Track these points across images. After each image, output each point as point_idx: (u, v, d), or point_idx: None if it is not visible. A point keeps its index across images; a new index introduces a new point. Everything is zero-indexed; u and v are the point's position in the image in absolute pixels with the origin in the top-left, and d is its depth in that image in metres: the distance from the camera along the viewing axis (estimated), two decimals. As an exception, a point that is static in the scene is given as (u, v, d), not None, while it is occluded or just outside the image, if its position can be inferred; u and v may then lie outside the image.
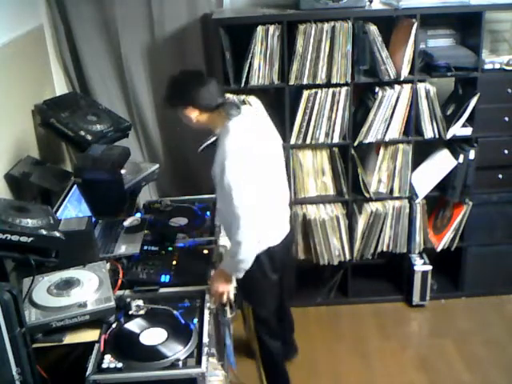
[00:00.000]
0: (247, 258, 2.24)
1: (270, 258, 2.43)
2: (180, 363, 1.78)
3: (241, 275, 2.30)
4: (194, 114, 2.33)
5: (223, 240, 2.74)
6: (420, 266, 3.38)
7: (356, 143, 3.17)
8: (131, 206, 2.82)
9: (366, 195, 3.26)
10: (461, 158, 3.17)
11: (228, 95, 2.58)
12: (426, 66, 3.12)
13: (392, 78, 3.04)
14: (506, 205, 3.35)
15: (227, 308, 2.79)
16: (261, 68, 3.01)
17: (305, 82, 3.04)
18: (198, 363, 1.78)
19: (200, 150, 2.39)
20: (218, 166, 2.23)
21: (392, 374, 2.98)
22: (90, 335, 1.87)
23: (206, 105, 2.32)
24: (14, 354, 1.53)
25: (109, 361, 1.78)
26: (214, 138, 2.35)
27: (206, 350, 1.83)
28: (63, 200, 2.39)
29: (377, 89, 3.09)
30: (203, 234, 2.58)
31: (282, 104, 3.10)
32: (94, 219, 2.46)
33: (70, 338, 1.85)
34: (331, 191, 3.35)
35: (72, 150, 3.20)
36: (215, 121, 2.34)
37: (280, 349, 2.70)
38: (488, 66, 3.07)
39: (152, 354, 1.83)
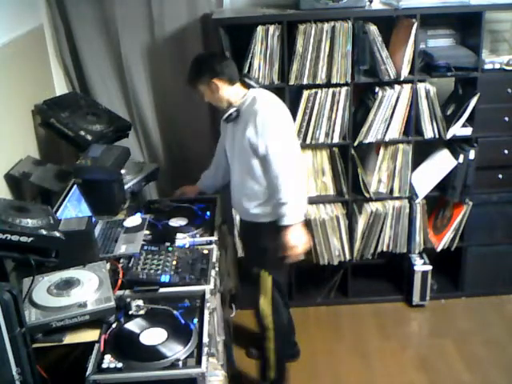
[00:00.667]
0: (299, 199, 2.43)
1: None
2: (180, 363, 1.78)
3: (302, 217, 2.45)
4: (219, 86, 2.46)
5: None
6: (420, 265, 3.38)
7: (356, 143, 3.17)
8: (131, 206, 2.82)
9: (366, 195, 3.26)
10: (461, 158, 3.17)
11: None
12: (426, 66, 3.13)
13: (392, 78, 3.04)
14: (506, 205, 3.35)
15: (227, 308, 2.80)
16: (261, 68, 3.01)
17: (305, 82, 3.04)
18: (198, 363, 1.78)
19: (224, 119, 2.52)
20: (253, 127, 2.39)
21: (392, 374, 2.98)
22: (90, 335, 1.87)
23: (231, 76, 2.49)
24: (14, 353, 1.53)
25: (109, 361, 1.78)
26: (234, 109, 2.48)
27: (205, 350, 1.83)
28: (63, 200, 2.38)
29: (377, 89, 3.09)
30: (203, 233, 2.57)
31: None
32: (93, 219, 2.45)
33: (70, 338, 1.85)
34: (331, 191, 3.35)
35: (72, 150, 3.20)
36: (238, 93, 2.51)
37: (285, 319, 2.80)
38: (488, 66, 3.07)
39: (152, 354, 1.83)
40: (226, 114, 2.49)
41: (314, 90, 3.07)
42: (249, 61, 2.99)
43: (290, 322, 3.00)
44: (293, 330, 3.05)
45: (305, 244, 2.47)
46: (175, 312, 2.01)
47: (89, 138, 2.83)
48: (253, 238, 2.67)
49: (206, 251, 2.39)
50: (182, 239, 2.50)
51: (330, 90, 3.07)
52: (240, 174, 2.55)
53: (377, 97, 3.07)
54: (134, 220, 2.59)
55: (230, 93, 2.49)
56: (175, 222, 2.68)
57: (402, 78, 3.04)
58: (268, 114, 2.41)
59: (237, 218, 3.18)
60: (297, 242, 2.44)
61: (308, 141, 3.16)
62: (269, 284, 2.61)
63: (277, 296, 2.66)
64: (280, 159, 2.39)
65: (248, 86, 2.53)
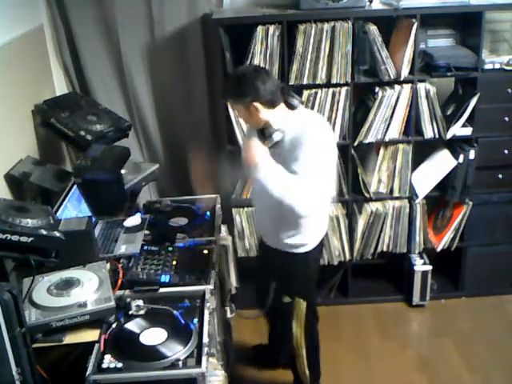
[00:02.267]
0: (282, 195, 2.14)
1: (318, 249, 2.47)
2: (180, 363, 1.78)
3: (258, 175, 2.16)
4: (260, 110, 2.21)
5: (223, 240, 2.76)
6: (420, 265, 3.38)
7: (356, 143, 3.17)
8: (131, 206, 2.82)
9: (366, 195, 3.26)
10: (461, 158, 3.17)
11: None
12: (426, 66, 3.13)
13: (392, 77, 3.04)
14: (506, 205, 3.35)
15: (227, 308, 2.80)
16: (261, 68, 3.01)
17: (305, 82, 3.04)
18: (198, 363, 1.78)
19: (269, 146, 2.23)
20: (296, 148, 2.16)
21: (392, 374, 2.98)
22: (90, 335, 1.87)
23: (274, 99, 2.24)
24: (14, 354, 1.53)
25: (109, 361, 1.78)
26: (280, 135, 2.23)
27: (205, 350, 1.83)
28: (63, 200, 2.39)
29: (377, 89, 3.09)
30: (203, 233, 2.57)
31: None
32: (94, 219, 2.45)
33: (70, 338, 1.85)
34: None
35: (72, 149, 3.20)
36: (280, 116, 2.26)
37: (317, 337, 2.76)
38: (488, 66, 3.07)
39: (152, 354, 1.83)
40: (272, 143, 2.23)
41: (314, 90, 3.07)
42: (249, 61, 2.99)
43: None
44: None
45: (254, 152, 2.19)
46: (175, 312, 2.01)
47: (89, 137, 2.83)
48: (283, 266, 2.46)
49: (206, 251, 2.39)
50: (182, 239, 2.50)
51: (330, 90, 3.07)
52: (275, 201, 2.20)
53: (377, 97, 3.07)
54: (134, 220, 2.59)
55: (269, 115, 2.23)
56: (175, 222, 2.68)
57: (401, 78, 3.04)
58: (318, 139, 2.20)
59: (238, 219, 3.19)
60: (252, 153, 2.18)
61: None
62: (303, 309, 2.54)
63: (311, 318, 2.62)
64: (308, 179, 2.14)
65: (291, 107, 2.30)
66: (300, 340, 2.61)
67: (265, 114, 2.23)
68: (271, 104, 2.23)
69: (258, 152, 2.17)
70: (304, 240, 2.38)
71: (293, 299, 2.50)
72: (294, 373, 2.77)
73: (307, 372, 2.71)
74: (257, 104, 2.20)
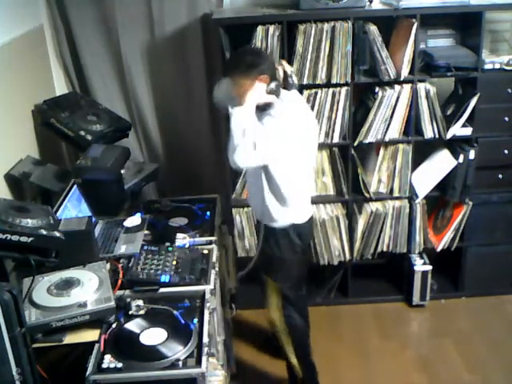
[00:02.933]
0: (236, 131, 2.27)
1: (298, 234, 2.53)
2: (180, 363, 1.78)
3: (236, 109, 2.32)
4: (264, 83, 2.34)
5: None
6: (420, 265, 3.38)
7: (356, 143, 3.17)
8: (131, 206, 2.82)
9: (366, 195, 3.26)
10: (461, 158, 3.17)
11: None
12: (426, 66, 3.12)
13: (392, 78, 3.04)
14: (506, 205, 3.35)
15: (227, 308, 2.80)
16: (261, 68, 3.01)
17: (305, 82, 3.04)
18: (198, 363, 1.78)
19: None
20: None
21: (392, 374, 2.98)
22: (90, 335, 1.87)
23: (274, 76, 2.39)
24: (14, 354, 1.53)
25: (109, 361, 1.78)
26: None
27: (205, 350, 1.83)
28: (63, 200, 2.39)
29: (377, 89, 3.09)
30: (203, 233, 2.57)
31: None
32: (94, 219, 2.45)
33: (70, 338, 1.85)
34: (331, 191, 3.35)
35: (72, 149, 3.20)
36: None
37: (305, 328, 2.76)
38: (488, 66, 3.07)
39: (152, 354, 1.83)
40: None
41: (314, 90, 3.07)
42: (249, 61, 2.98)
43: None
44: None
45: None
46: (175, 312, 2.01)
47: (89, 137, 2.83)
48: (265, 239, 2.60)
49: (206, 251, 2.40)
50: (182, 239, 2.50)
51: (330, 90, 3.07)
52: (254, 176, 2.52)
53: (377, 97, 3.07)
54: (134, 220, 2.59)
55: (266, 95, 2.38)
56: (175, 222, 2.68)
57: (401, 78, 3.04)
58: (273, 126, 2.33)
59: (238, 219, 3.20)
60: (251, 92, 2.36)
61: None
62: (274, 291, 2.62)
63: (286, 304, 2.64)
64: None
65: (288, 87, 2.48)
66: (279, 322, 2.68)
67: (264, 90, 2.35)
68: (273, 78, 2.37)
69: (254, 96, 2.32)
70: (274, 215, 2.49)
71: (266, 276, 2.63)
72: (288, 366, 2.80)
73: (295, 362, 2.73)
74: (263, 76, 2.32)
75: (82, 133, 2.83)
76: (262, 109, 2.37)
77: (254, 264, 2.69)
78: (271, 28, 2.93)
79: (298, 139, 2.41)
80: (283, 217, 2.51)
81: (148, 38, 3.31)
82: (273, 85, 2.35)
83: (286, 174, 2.43)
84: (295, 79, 2.51)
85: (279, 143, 2.32)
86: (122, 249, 2.38)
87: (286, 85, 2.46)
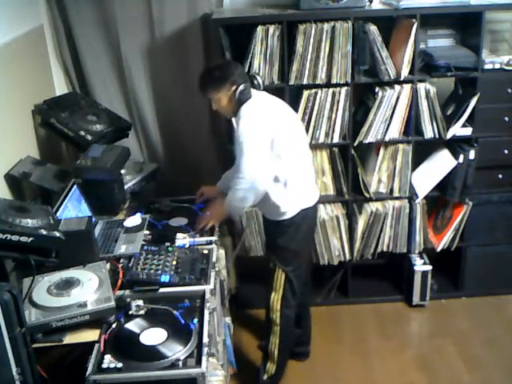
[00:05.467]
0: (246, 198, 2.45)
1: (303, 218, 2.60)
2: (180, 363, 1.78)
3: (234, 213, 2.64)
4: (235, 93, 2.47)
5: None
6: (420, 265, 3.38)
7: (356, 143, 3.17)
8: (131, 206, 2.82)
9: (366, 195, 3.26)
10: (461, 158, 3.17)
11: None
12: (426, 66, 3.13)
13: (392, 77, 3.04)
14: (506, 205, 3.35)
15: (227, 308, 2.80)
16: (261, 68, 3.01)
17: (305, 82, 3.04)
18: (198, 363, 1.78)
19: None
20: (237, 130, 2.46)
21: (392, 374, 2.98)
22: (90, 335, 1.87)
23: (247, 83, 2.51)
24: (14, 353, 1.53)
25: (109, 361, 1.78)
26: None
27: (205, 350, 1.83)
28: (63, 200, 2.39)
29: (377, 89, 3.09)
30: (203, 233, 2.57)
31: (282, 104, 3.10)
32: (93, 219, 2.45)
33: (70, 338, 1.85)
34: (331, 191, 3.35)
35: (72, 149, 3.20)
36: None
37: (293, 318, 2.79)
38: (488, 66, 3.07)
39: (152, 354, 1.83)
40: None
41: (313, 90, 3.07)
42: (249, 61, 2.99)
43: (305, 321, 3.03)
44: (304, 328, 3.06)
45: (211, 222, 2.58)
46: (175, 312, 2.01)
47: (89, 137, 2.83)
48: (270, 233, 2.80)
49: (206, 251, 2.40)
50: (182, 239, 2.50)
51: (330, 89, 3.07)
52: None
53: (377, 97, 3.07)
54: (134, 220, 2.58)
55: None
56: (175, 222, 2.68)
57: (402, 78, 3.04)
58: (245, 125, 2.43)
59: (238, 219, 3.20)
60: (214, 214, 2.59)
61: (308, 141, 3.16)
62: (281, 279, 2.66)
63: (288, 295, 2.69)
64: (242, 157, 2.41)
65: (256, 87, 2.59)
66: (276, 313, 2.71)
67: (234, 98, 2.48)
68: (246, 86, 2.48)
69: (218, 212, 2.59)
70: (283, 209, 2.57)
71: (274, 266, 2.66)
72: (264, 353, 2.83)
73: (276, 354, 2.76)
74: (235, 86, 2.46)
75: (82, 133, 2.83)
76: (237, 110, 2.50)
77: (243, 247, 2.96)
78: (271, 28, 2.94)
79: (280, 125, 2.50)
80: (291, 207, 2.58)
81: (148, 38, 3.31)
82: (241, 87, 2.47)
83: (282, 163, 2.50)
84: (260, 79, 2.59)
85: (264, 146, 2.42)
86: (122, 249, 2.38)
87: (253, 86, 2.56)
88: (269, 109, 2.54)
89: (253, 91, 2.53)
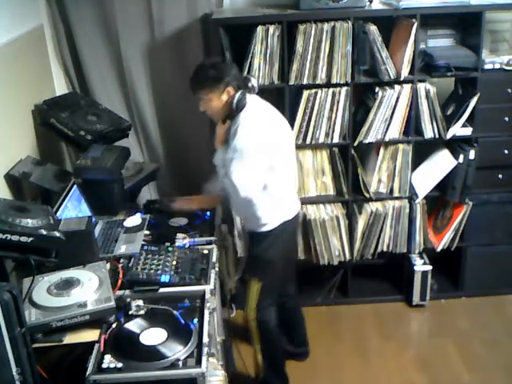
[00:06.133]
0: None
1: (283, 231, 2.57)
2: (180, 363, 1.78)
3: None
4: (230, 94, 2.42)
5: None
6: (420, 265, 3.38)
7: (356, 143, 3.17)
8: (131, 206, 2.82)
9: (366, 195, 3.26)
10: (461, 158, 3.17)
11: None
12: (426, 66, 3.13)
13: (392, 77, 3.04)
14: (506, 205, 3.35)
15: (227, 308, 2.80)
16: (261, 68, 3.01)
17: (305, 82, 3.04)
18: (198, 363, 1.78)
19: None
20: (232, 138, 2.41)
21: (392, 374, 2.98)
22: (90, 335, 1.87)
23: (239, 85, 2.45)
24: (14, 354, 1.53)
25: (109, 361, 1.78)
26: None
27: (205, 350, 1.83)
28: (63, 200, 2.39)
29: (377, 89, 3.09)
30: (203, 233, 2.57)
31: (282, 104, 3.10)
32: (93, 219, 2.45)
33: (70, 338, 1.85)
34: (331, 191, 3.35)
35: (72, 149, 3.20)
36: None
37: (276, 333, 2.76)
38: (488, 66, 3.07)
39: (152, 354, 1.83)
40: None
41: (313, 90, 3.07)
42: (249, 61, 2.99)
43: (298, 324, 3.02)
44: (298, 329, 3.05)
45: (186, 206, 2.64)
46: (175, 312, 2.01)
47: (89, 138, 2.83)
48: (249, 243, 2.73)
49: (206, 251, 2.40)
50: (182, 239, 2.50)
51: (330, 89, 3.07)
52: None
53: (377, 97, 3.07)
54: (134, 220, 2.59)
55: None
56: (175, 222, 2.68)
57: (402, 78, 3.04)
58: (244, 134, 2.38)
59: (238, 219, 3.20)
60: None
61: (308, 141, 3.16)
62: (254, 291, 2.63)
63: (263, 304, 2.65)
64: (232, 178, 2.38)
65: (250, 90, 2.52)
66: (251, 322, 2.70)
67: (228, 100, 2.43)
68: (239, 88, 2.44)
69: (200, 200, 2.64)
70: (264, 220, 2.53)
71: (248, 276, 2.65)
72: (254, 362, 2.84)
73: (260, 360, 2.76)
74: (230, 88, 2.41)
75: (82, 133, 2.83)
76: (232, 115, 2.45)
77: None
78: (271, 28, 2.94)
79: (272, 136, 2.46)
80: (273, 219, 2.54)
81: (148, 38, 3.31)
82: (239, 94, 2.40)
83: (274, 174, 2.47)
84: (254, 82, 2.53)
85: (258, 158, 2.39)
86: (122, 249, 2.38)
87: (247, 89, 2.49)
88: (266, 118, 2.50)
89: (248, 96, 2.46)
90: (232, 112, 2.44)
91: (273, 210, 2.53)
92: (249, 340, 2.81)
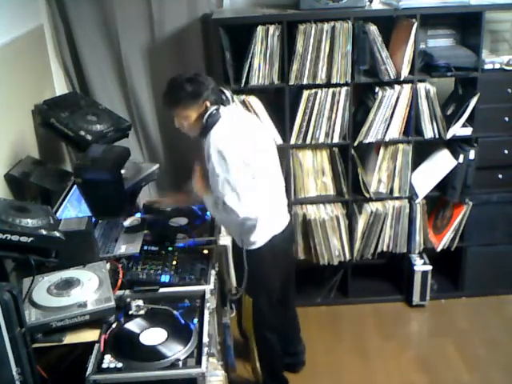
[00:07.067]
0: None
1: (272, 247, 2.48)
2: (180, 363, 1.78)
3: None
4: (208, 108, 2.30)
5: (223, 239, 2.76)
6: (420, 265, 3.38)
7: (356, 143, 3.17)
8: (131, 206, 2.82)
9: (366, 195, 3.26)
10: (461, 158, 3.17)
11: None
12: (426, 66, 3.13)
13: (392, 78, 3.04)
14: (506, 205, 3.35)
15: (227, 308, 2.80)
16: (261, 68, 3.01)
17: (305, 82, 3.04)
18: (198, 363, 1.78)
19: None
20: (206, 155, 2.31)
21: (392, 374, 2.98)
22: (90, 335, 1.87)
23: (217, 99, 2.34)
24: (14, 353, 1.53)
25: (109, 361, 1.78)
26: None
27: (205, 350, 1.83)
28: (63, 200, 2.39)
29: (377, 89, 3.09)
30: (203, 233, 2.57)
31: (282, 104, 3.10)
32: (93, 219, 2.45)
33: (70, 338, 1.85)
34: (331, 191, 3.35)
35: (72, 149, 3.19)
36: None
37: (277, 342, 2.72)
38: (488, 66, 3.07)
39: (152, 354, 1.83)
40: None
41: (314, 90, 3.07)
42: (249, 61, 2.99)
43: (295, 320, 2.99)
44: (294, 341, 3.00)
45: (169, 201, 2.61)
46: (175, 312, 2.01)
47: (89, 137, 2.83)
48: (239, 260, 2.54)
49: (206, 251, 2.40)
50: (182, 239, 2.50)
51: (330, 89, 3.07)
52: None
53: (377, 97, 3.07)
54: (134, 220, 2.59)
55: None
56: (175, 222, 2.68)
57: (402, 78, 3.04)
58: (217, 157, 2.26)
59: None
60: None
61: (308, 141, 3.16)
62: (249, 307, 2.58)
63: (259, 319, 2.61)
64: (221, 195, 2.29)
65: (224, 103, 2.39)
66: (250, 337, 2.67)
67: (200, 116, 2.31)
68: (216, 103, 2.33)
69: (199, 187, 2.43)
70: (253, 238, 2.43)
71: (242, 294, 2.54)
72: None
73: (258, 367, 2.74)
74: (207, 103, 2.30)
75: (82, 133, 2.83)
76: (204, 132, 2.33)
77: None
78: (271, 28, 2.93)
79: (251, 149, 2.34)
80: (261, 236, 2.45)
81: (148, 38, 3.31)
82: (212, 109, 2.30)
83: (257, 188, 2.35)
84: (228, 94, 2.40)
85: (242, 176, 2.28)
86: (122, 249, 2.38)
87: (222, 102, 2.38)
88: (239, 133, 2.37)
89: (222, 109, 2.35)
90: (203, 128, 2.33)
91: (259, 227, 2.41)
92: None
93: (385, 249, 3.38)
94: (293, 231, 2.74)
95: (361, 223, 3.30)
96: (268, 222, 2.45)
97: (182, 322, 1.97)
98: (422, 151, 3.34)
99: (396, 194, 3.29)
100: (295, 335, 3.00)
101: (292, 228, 2.82)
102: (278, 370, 2.83)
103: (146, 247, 2.38)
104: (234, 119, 2.39)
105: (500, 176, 3.27)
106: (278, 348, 2.74)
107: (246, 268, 2.39)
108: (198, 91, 2.29)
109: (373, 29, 2.94)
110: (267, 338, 2.68)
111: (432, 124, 3.15)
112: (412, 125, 3.15)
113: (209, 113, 2.29)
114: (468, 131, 3.18)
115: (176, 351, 1.83)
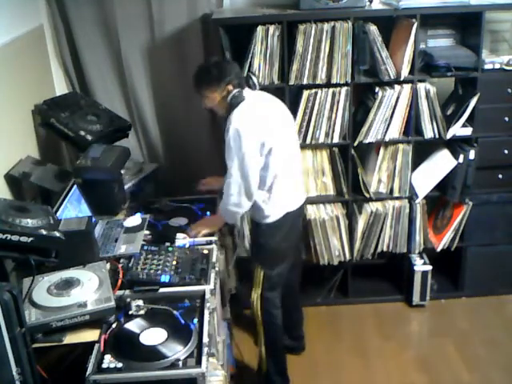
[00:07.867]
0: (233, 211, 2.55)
1: (285, 221, 2.63)
2: (180, 363, 1.78)
3: (230, 221, 2.66)
4: (231, 91, 2.48)
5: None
6: (420, 265, 3.38)
7: (356, 143, 3.17)
8: (131, 206, 2.82)
9: (366, 195, 3.26)
10: (461, 158, 3.17)
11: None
12: (426, 66, 3.13)
13: (392, 78, 3.04)
14: (506, 205, 3.35)
15: (227, 308, 2.80)
16: (261, 68, 3.01)
17: (305, 82, 3.04)
18: (198, 363, 1.78)
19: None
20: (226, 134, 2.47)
21: (392, 374, 2.98)
22: (90, 335, 1.87)
23: (241, 82, 2.53)
24: (14, 353, 1.53)
25: (109, 361, 1.78)
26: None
27: (206, 350, 1.83)
28: (63, 200, 2.39)
29: (377, 89, 3.09)
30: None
31: (282, 104, 3.10)
32: (93, 219, 2.45)
33: (70, 338, 1.85)
34: (331, 191, 3.35)
35: (72, 149, 3.20)
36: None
37: (281, 321, 2.79)
38: (488, 66, 3.07)
39: (152, 354, 1.83)
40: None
41: (313, 90, 3.07)
42: (249, 61, 2.99)
43: (293, 317, 3.02)
44: (298, 324, 3.09)
45: (201, 232, 2.57)
46: (175, 312, 2.01)
47: (89, 138, 2.83)
48: (253, 234, 2.85)
49: (206, 251, 2.40)
50: (182, 239, 2.50)
51: (330, 89, 3.07)
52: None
53: (377, 97, 3.07)
54: (134, 220, 2.59)
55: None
56: (175, 222, 2.68)
57: (402, 78, 3.04)
58: (234, 133, 2.43)
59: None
60: (205, 227, 2.57)
61: (308, 141, 3.16)
62: (260, 277, 2.69)
63: (268, 293, 2.71)
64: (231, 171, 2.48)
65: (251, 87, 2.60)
66: (256, 310, 2.74)
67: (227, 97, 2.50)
68: (239, 86, 2.52)
69: (213, 222, 2.64)
70: (267, 212, 2.60)
71: (254, 265, 2.70)
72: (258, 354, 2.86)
73: (264, 354, 2.79)
74: (230, 86, 2.48)
75: (82, 133, 2.83)
76: (228, 112, 2.51)
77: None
78: (271, 28, 2.94)
79: (270, 129, 2.50)
80: (276, 211, 2.60)
81: (148, 38, 3.31)
82: (235, 92, 2.48)
83: (273, 167, 2.52)
84: (255, 79, 2.59)
85: (253, 158, 2.45)
86: (122, 249, 2.38)
87: (248, 86, 2.58)
88: (259, 113, 2.53)
89: (247, 92, 2.53)
90: (228, 108, 2.51)
91: (273, 203, 2.59)
92: (250, 338, 2.82)
93: (385, 249, 3.38)
94: (303, 207, 2.84)
95: (361, 223, 3.30)
96: (283, 198, 2.61)
97: (182, 322, 1.97)
98: (422, 151, 3.34)
99: (396, 194, 3.29)
100: (298, 319, 3.08)
101: (303, 207, 2.91)
102: (282, 364, 2.87)
103: (145, 247, 2.38)
104: (257, 101, 2.56)
105: (500, 176, 3.27)
106: (281, 328, 2.82)
107: (259, 240, 2.65)
108: (222, 75, 2.49)
109: (373, 29, 2.94)
110: (273, 315, 2.75)
111: (432, 124, 3.15)
112: (412, 125, 3.15)
113: (232, 94, 2.48)
114: (468, 131, 3.18)
115: (176, 351, 1.83)
